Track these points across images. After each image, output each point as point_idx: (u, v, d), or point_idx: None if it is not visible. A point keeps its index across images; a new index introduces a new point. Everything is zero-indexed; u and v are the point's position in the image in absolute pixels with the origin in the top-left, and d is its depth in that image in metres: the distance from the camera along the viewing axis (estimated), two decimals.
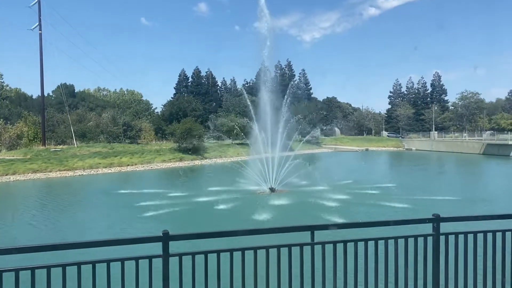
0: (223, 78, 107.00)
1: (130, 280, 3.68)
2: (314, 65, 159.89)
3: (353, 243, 4.21)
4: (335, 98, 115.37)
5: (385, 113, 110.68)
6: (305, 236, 4.16)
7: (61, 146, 50.69)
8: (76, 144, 52.15)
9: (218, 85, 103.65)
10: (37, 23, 51.12)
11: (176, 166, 46.25)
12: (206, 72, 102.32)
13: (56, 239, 14.41)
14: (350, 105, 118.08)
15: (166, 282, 3.73)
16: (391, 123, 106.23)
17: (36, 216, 19.26)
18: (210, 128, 67.34)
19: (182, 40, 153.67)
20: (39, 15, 51.09)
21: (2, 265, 3.37)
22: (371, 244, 4.25)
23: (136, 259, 3.68)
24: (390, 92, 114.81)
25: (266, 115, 28.33)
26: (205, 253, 3.81)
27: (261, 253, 3.97)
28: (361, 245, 4.22)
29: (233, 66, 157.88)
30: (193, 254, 3.80)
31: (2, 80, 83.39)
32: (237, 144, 60.76)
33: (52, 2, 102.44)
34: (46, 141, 51.72)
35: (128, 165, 44.06)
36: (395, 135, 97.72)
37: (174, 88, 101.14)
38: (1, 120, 53.61)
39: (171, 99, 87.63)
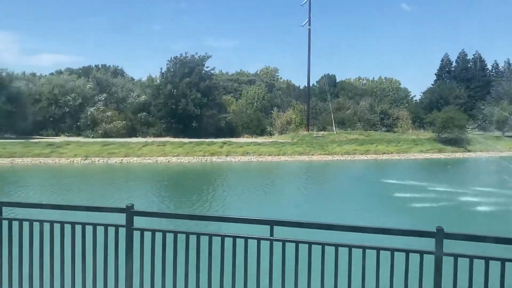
0: (495, 60, 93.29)
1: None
2: None
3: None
4: None
5: None
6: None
7: (322, 132, 55.21)
8: (336, 130, 55.73)
9: (487, 69, 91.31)
10: (307, 20, 56.60)
11: (434, 158, 43.64)
12: (473, 55, 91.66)
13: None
14: None
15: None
16: None
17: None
18: (475, 118, 60.56)
19: (446, 22, 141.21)
20: (309, 12, 56.41)
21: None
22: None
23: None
24: None
25: None
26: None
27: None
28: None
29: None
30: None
31: (278, 74, 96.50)
32: (509, 136, 52.69)
33: None
34: (310, 127, 57.25)
35: (383, 153, 44.28)
36: None
37: (435, 74, 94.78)
38: (275, 108, 62.37)
39: (431, 86, 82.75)
